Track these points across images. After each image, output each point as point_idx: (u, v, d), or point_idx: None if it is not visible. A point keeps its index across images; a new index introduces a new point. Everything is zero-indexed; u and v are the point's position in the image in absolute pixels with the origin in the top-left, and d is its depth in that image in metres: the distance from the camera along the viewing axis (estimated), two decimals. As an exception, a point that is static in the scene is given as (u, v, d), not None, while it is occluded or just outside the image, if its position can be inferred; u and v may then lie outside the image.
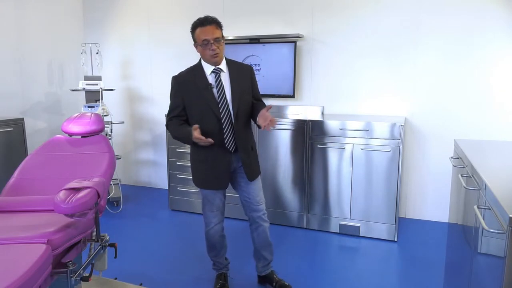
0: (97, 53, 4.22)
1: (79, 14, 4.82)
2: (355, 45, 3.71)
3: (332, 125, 3.30)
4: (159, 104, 4.57)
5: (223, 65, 2.26)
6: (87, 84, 4.02)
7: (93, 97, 4.09)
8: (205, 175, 2.31)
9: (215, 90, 2.21)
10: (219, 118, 2.20)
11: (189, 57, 4.37)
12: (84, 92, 4.11)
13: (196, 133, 2.11)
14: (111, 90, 4.20)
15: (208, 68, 2.23)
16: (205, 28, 2.14)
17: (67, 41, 4.64)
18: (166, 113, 2.37)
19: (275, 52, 3.84)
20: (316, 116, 3.58)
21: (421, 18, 3.48)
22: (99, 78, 4.11)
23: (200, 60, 2.28)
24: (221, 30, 2.20)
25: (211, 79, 2.23)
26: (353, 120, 3.28)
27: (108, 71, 4.70)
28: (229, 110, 2.23)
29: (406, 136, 3.61)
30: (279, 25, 3.94)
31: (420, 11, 3.47)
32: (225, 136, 2.23)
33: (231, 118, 2.23)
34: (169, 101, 2.33)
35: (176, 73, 2.32)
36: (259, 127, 2.22)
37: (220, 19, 2.25)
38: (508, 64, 3.30)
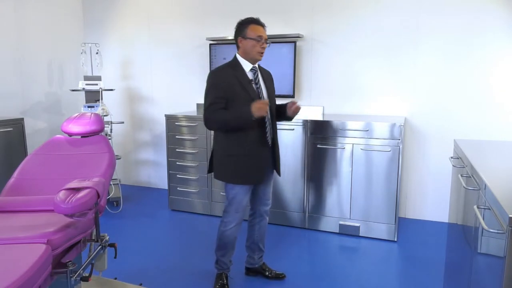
0: (97, 53, 4.22)
1: (79, 14, 4.82)
2: (355, 45, 3.71)
3: (332, 125, 3.30)
4: (159, 104, 4.56)
5: (257, 65, 2.39)
6: (87, 84, 4.01)
7: (93, 97, 4.08)
8: (243, 170, 2.31)
9: (255, 86, 2.30)
10: None
11: (189, 57, 4.40)
12: (84, 92, 4.10)
13: (257, 103, 2.14)
14: (111, 90, 4.20)
15: (246, 65, 2.32)
16: (260, 27, 2.31)
17: (67, 41, 4.64)
18: (205, 107, 2.24)
19: (275, 52, 3.83)
20: (316, 116, 3.58)
21: (421, 18, 3.48)
22: (99, 78, 4.10)
23: (235, 57, 2.35)
24: None
25: (250, 75, 2.32)
26: (353, 120, 3.28)
27: (108, 71, 4.70)
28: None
29: (406, 136, 3.61)
30: (279, 25, 3.94)
31: (420, 11, 3.47)
32: (266, 130, 2.32)
33: (268, 113, 2.32)
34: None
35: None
36: (288, 118, 2.43)
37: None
38: (508, 64, 3.30)
